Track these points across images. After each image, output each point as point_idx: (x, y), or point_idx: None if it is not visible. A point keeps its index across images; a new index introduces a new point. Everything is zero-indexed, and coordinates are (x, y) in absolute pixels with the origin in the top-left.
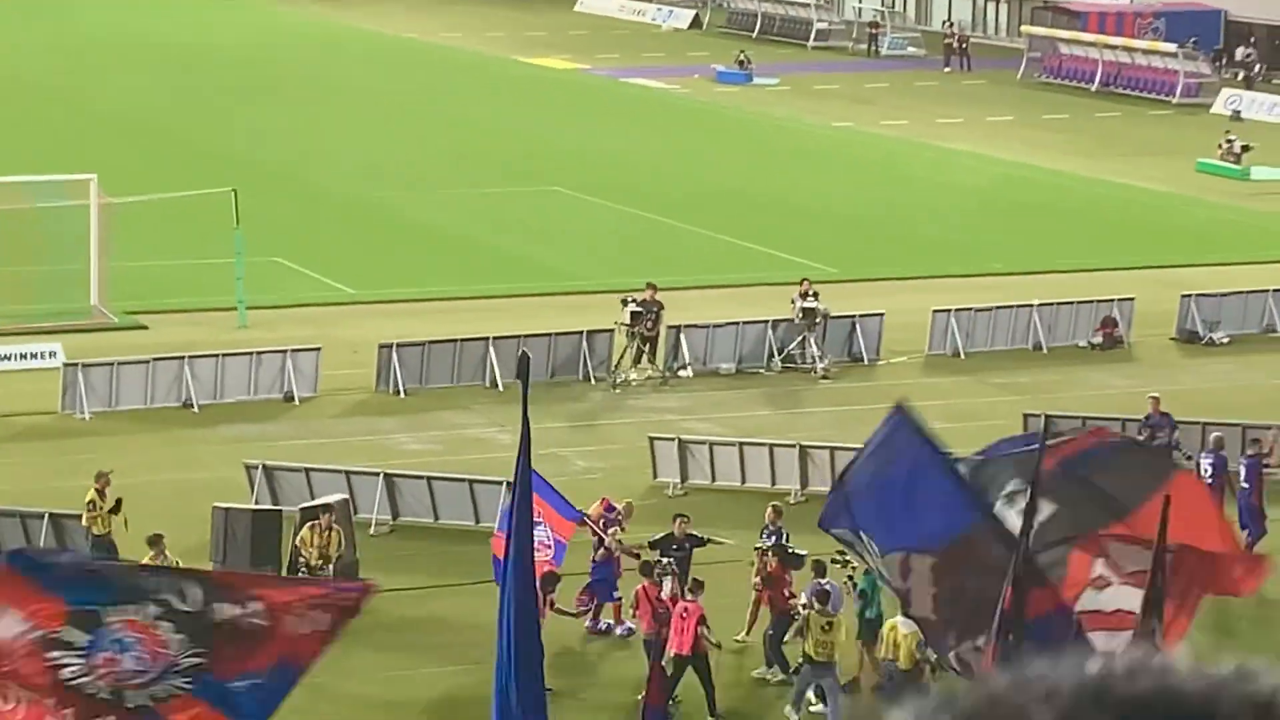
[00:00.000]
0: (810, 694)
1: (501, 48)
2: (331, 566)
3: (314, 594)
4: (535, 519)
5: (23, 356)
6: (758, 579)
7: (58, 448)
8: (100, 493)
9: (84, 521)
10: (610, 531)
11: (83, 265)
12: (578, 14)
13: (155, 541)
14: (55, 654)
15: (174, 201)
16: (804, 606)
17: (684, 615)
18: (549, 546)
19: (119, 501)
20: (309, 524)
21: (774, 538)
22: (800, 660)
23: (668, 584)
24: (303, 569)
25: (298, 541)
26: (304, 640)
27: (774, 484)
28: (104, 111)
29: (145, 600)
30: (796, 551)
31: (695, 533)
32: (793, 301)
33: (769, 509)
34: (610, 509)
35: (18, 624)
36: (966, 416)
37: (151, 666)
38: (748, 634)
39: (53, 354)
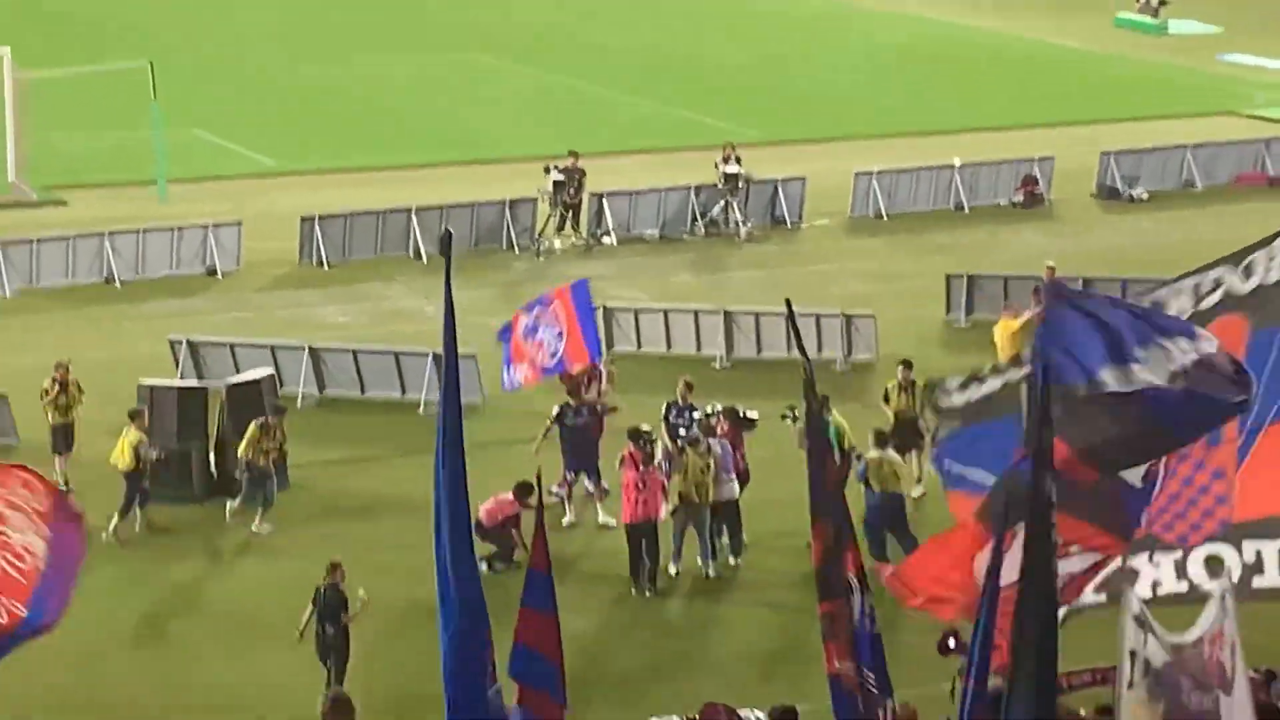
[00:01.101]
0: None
1: None
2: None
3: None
4: (554, 328)
5: None
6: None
7: None
8: (57, 383)
9: (43, 408)
10: (593, 390)
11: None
12: None
13: (136, 416)
14: None
15: (90, 75)
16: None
17: (640, 486)
18: (552, 355)
19: (78, 391)
20: (258, 424)
21: (687, 413)
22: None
23: (658, 451)
24: (255, 472)
25: (245, 445)
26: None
27: (699, 350)
28: None
29: None
30: (749, 415)
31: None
32: (715, 166)
33: (680, 383)
34: (595, 367)
35: None
36: (891, 278)
37: None
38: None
39: None
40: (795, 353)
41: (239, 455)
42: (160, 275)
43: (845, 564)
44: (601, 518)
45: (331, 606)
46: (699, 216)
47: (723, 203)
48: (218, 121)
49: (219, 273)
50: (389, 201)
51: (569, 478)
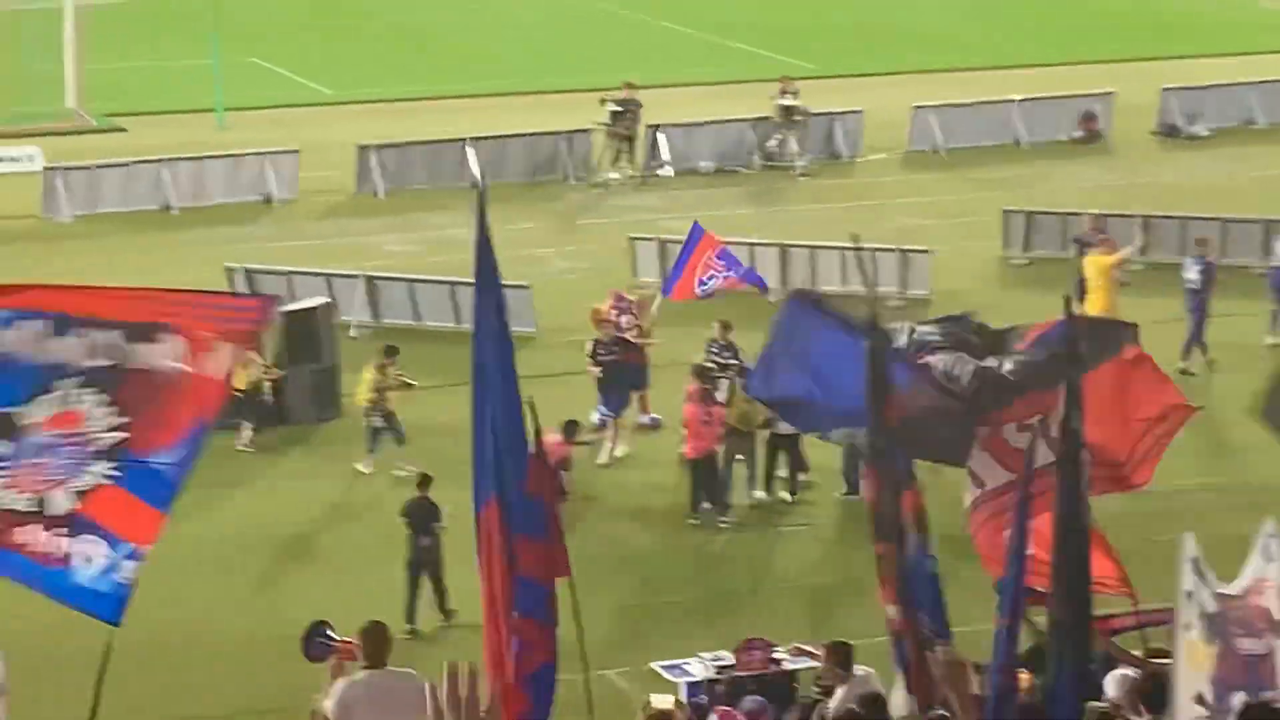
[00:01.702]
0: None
1: None
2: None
3: (220, 316)
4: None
5: (3, 160)
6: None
7: (40, 250)
8: None
9: None
10: (625, 321)
11: (59, 68)
12: None
13: None
14: None
15: (150, 3)
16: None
17: (705, 421)
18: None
19: None
20: (375, 366)
21: (729, 353)
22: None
23: (723, 388)
24: (382, 414)
25: (366, 390)
26: (211, 388)
27: None
28: None
29: (65, 377)
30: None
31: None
32: (772, 99)
33: (716, 323)
34: (621, 299)
35: None
36: (947, 213)
37: (76, 455)
38: None
39: (32, 158)
40: (850, 286)
41: (363, 402)
42: (217, 203)
43: (902, 504)
44: (619, 451)
45: (423, 519)
46: (755, 149)
47: (779, 136)
48: (277, 50)
49: (275, 201)
50: (445, 131)
51: (603, 413)
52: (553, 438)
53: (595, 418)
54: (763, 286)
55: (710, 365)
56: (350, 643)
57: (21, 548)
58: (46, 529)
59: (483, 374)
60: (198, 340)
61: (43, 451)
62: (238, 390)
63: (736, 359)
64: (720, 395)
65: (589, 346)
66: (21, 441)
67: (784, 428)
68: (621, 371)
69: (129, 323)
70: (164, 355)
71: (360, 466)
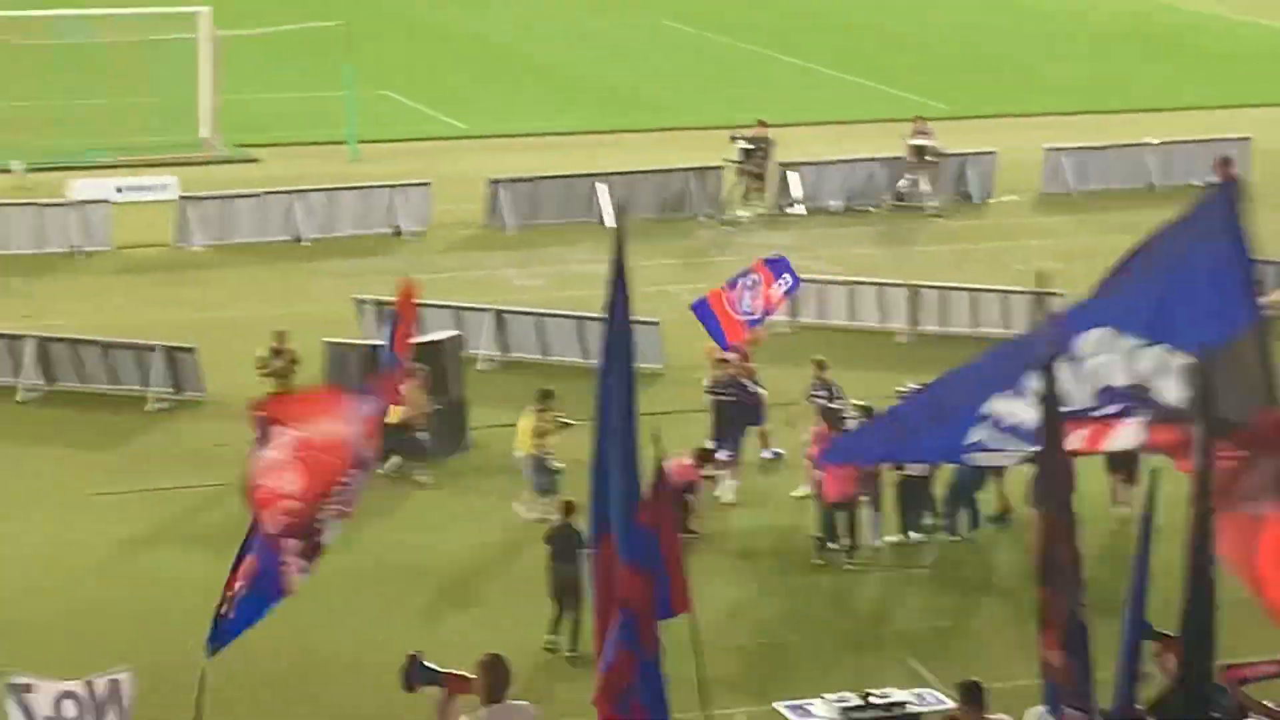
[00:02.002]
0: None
1: None
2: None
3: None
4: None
5: (137, 189)
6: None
7: (172, 280)
8: (274, 350)
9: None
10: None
11: (194, 98)
12: None
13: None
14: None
15: (285, 34)
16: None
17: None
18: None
19: (294, 360)
20: (533, 411)
21: (824, 392)
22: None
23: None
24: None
25: (526, 436)
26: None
27: (883, 323)
28: None
29: None
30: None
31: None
32: (904, 139)
33: (811, 362)
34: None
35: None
36: (1079, 256)
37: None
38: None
39: (166, 187)
40: (980, 328)
41: (528, 452)
42: (347, 234)
43: (1066, 550)
44: (730, 495)
45: (566, 546)
46: (887, 189)
47: (911, 176)
48: (409, 83)
49: (406, 233)
50: (575, 166)
51: (713, 447)
52: (682, 462)
53: (722, 454)
54: (793, 280)
55: (837, 407)
56: (459, 675)
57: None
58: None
59: (605, 407)
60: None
61: None
62: (390, 424)
63: (838, 397)
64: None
65: (706, 383)
66: None
67: (915, 469)
68: (736, 410)
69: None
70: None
71: (519, 508)
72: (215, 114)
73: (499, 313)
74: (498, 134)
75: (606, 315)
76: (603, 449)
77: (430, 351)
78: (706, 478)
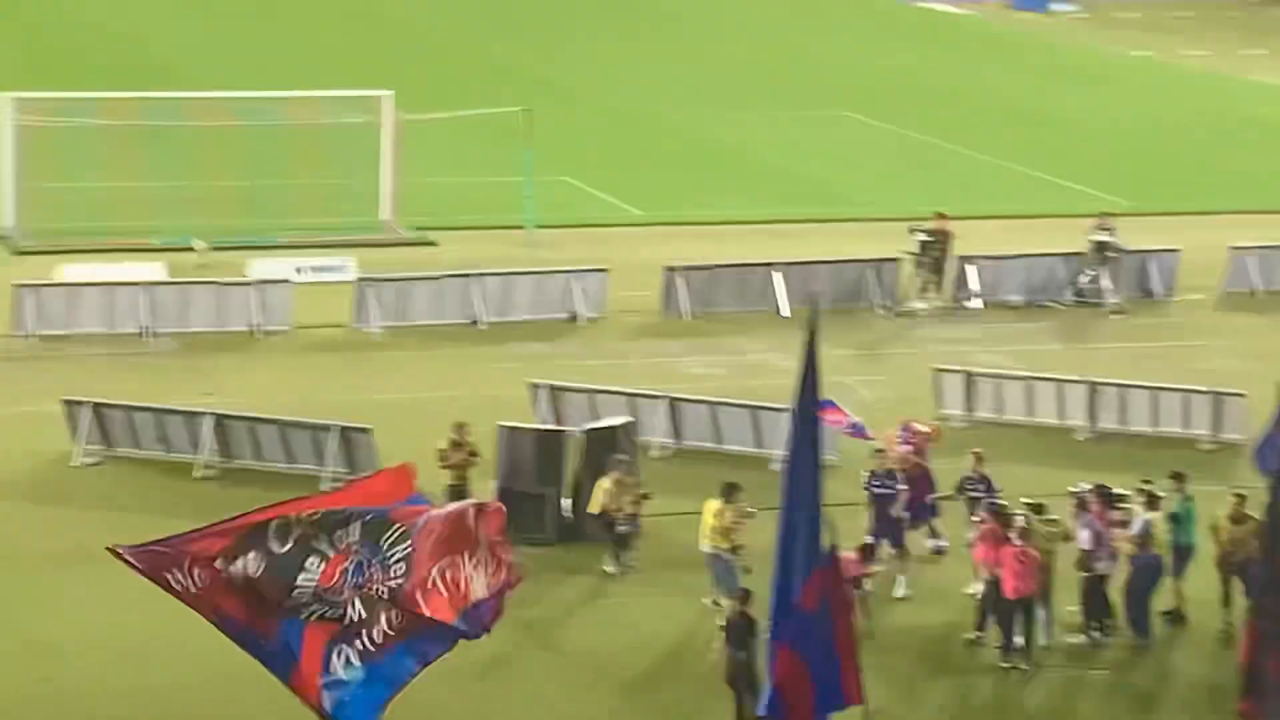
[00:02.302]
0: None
1: None
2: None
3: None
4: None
5: (316, 270)
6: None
7: (348, 361)
8: (454, 443)
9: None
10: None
11: (375, 180)
12: None
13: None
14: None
15: (465, 119)
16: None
17: (1022, 560)
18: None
19: (472, 453)
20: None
21: (980, 485)
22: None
23: (1018, 526)
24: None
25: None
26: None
27: (1062, 420)
28: (403, 26)
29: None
30: (1119, 493)
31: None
32: (1086, 234)
33: (971, 454)
34: (908, 429)
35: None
36: (1264, 357)
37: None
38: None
39: (345, 268)
40: (1161, 428)
41: (714, 549)
42: (524, 319)
43: (1276, 665)
44: (902, 590)
45: (740, 634)
46: (1067, 285)
47: (1092, 272)
48: (588, 169)
49: (582, 319)
50: (753, 255)
51: (873, 543)
52: (848, 556)
53: (884, 548)
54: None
55: (1004, 503)
56: None
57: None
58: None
59: (790, 497)
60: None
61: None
62: (592, 514)
63: (991, 491)
64: (1013, 533)
65: (864, 477)
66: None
67: (1100, 567)
68: (892, 502)
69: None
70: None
71: (707, 601)
72: (395, 197)
73: (673, 400)
74: (675, 221)
75: (796, 405)
76: (785, 538)
77: (605, 438)
78: (869, 574)
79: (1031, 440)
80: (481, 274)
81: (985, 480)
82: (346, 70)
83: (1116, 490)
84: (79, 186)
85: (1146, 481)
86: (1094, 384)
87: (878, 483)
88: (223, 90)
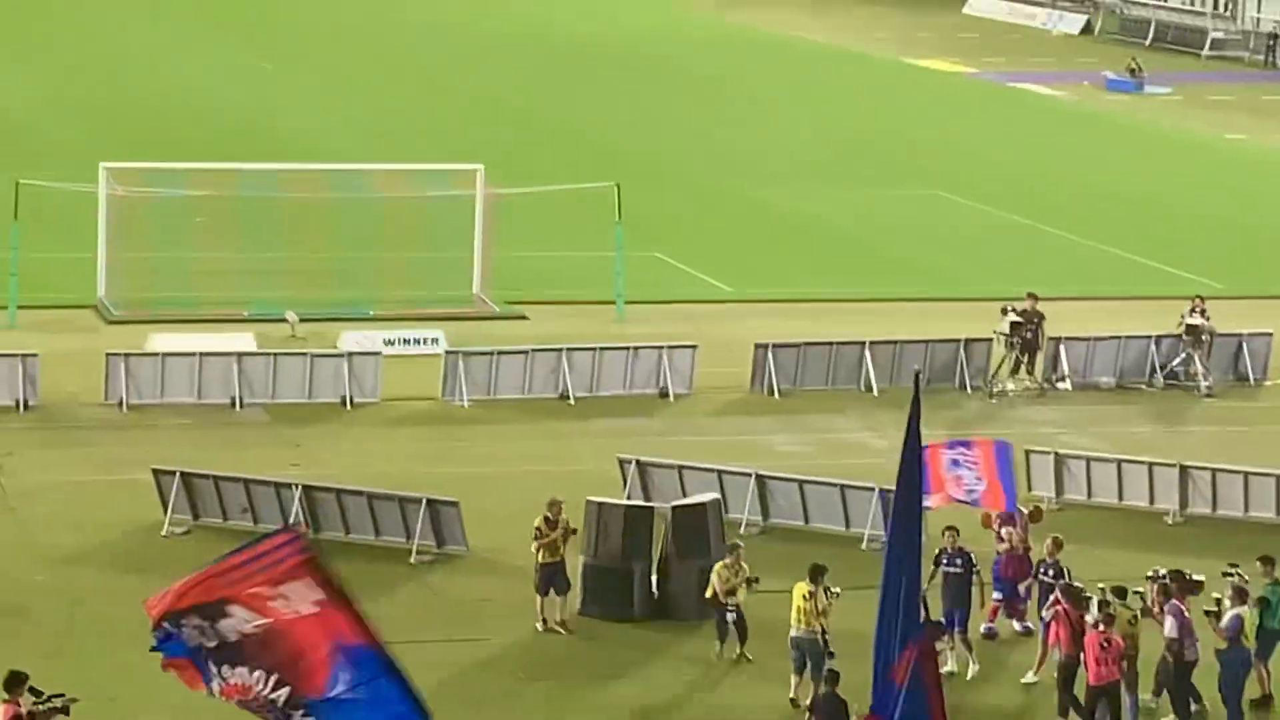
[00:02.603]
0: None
1: (888, 49)
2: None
3: (261, 566)
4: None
5: (406, 342)
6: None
7: (437, 434)
8: (549, 521)
9: (532, 548)
10: (1005, 531)
11: (467, 253)
12: (966, 16)
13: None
14: None
15: (556, 193)
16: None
17: (1105, 646)
18: (968, 491)
19: (570, 530)
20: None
21: (1050, 572)
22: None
23: (1093, 608)
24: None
25: (805, 610)
26: (321, 621)
27: (1152, 503)
28: (495, 101)
29: (200, 661)
30: (1195, 578)
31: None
32: (1180, 317)
33: (1049, 541)
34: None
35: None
36: None
37: (272, 712)
38: (1036, 673)
39: (435, 341)
40: (1253, 512)
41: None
42: (613, 394)
43: None
44: (971, 670)
45: (831, 714)
46: (1158, 368)
47: (1184, 354)
48: (678, 245)
49: (671, 395)
50: (843, 333)
51: (941, 621)
52: None
53: (983, 627)
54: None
55: (1080, 586)
56: None
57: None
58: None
59: (890, 574)
60: (254, 599)
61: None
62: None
63: (1060, 578)
64: (1090, 617)
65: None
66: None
67: (1189, 654)
68: (959, 585)
69: (202, 605)
70: (243, 621)
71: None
72: (486, 270)
73: (761, 477)
74: (765, 298)
75: (898, 484)
76: (885, 612)
77: (692, 514)
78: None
79: (1121, 523)
80: (571, 348)
81: (1057, 566)
82: (438, 144)
83: (1195, 576)
84: (170, 256)
85: (1233, 565)
86: (1185, 467)
87: (948, 561)
88: (315, 162)
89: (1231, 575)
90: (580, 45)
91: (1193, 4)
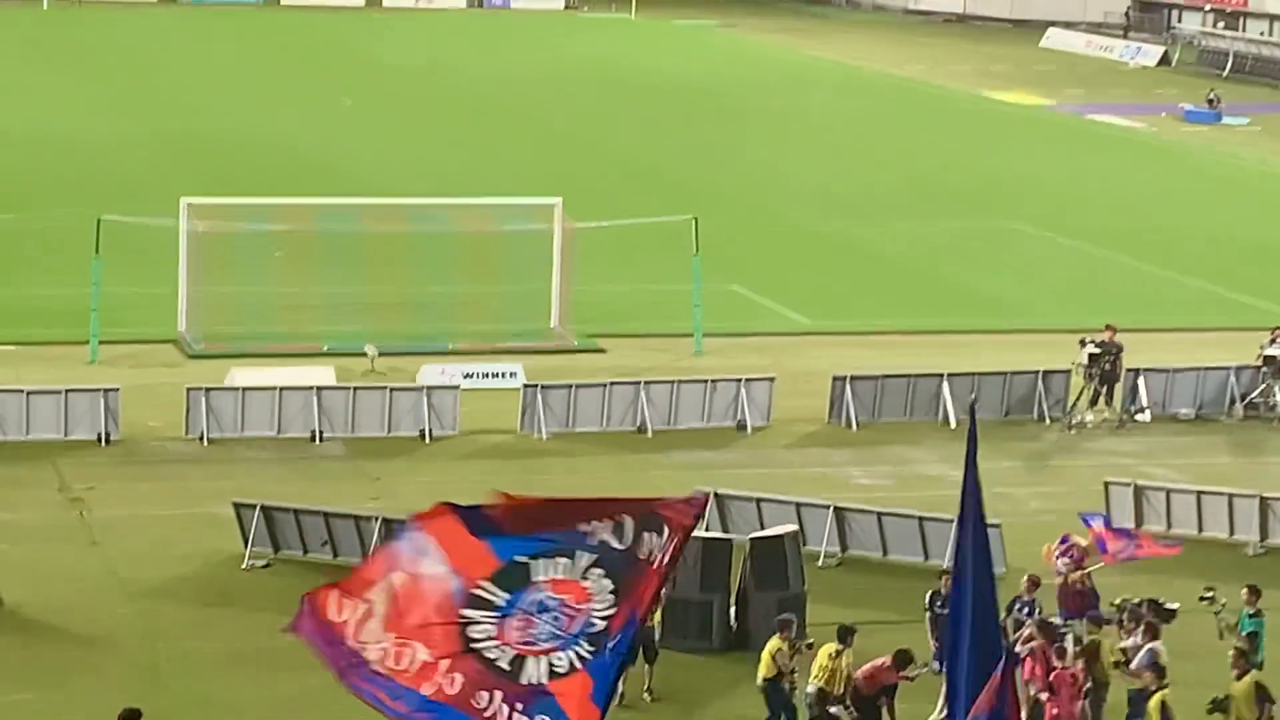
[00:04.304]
0: None
1: (965, 81)
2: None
3: (681, 509)
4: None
5: (486, 375)
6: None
7: (516, 467)
8: None
9: None
10: (1061, 564)
11: (545, 287)
12: (1043, 49)
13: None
14: (470, 612)
15: (634, 227)
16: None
17: (1073, 682)
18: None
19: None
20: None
21: (1025, 609)
22: None
23: (1069, 645)
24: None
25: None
26: (655, 582)
27: (1232, 534)
28: (570, 137)
29: (582, 549)
30: (1168, 606)
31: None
32: (1260, 347)
33: (1025, 579)
34: (1067, 542)
35: (442, 570)
36: None
37: (567, 630)
38: None
39: (514, 374)
40: None
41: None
42: (691, 427)
43: None
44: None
45: None
46: (1238, 398)
47: (1263, 385)
48: (755, 277)
49: (749, 427)
50: (921, 365)
51: (935, 666)
52: (882, 662)
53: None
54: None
55: (1056, 622)
56: None
57: (478, 713)
58: (507, 699)
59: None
60: (678, 526)
61: (539, 610)
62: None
63: (1034, 614)
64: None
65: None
66: (522, 595)
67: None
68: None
69: (642, 514)
70: (657, 546)
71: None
72: (565, 304)
73: (838, 509)
74: (842, 330)
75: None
76: (956, 648)
77: (770, 546)
78: (905, 678)
79: (1202, 555)
80: (649, 381)
81: (1032, 604)
82: (516, 179)
83: (1170, 605)
84: (250, 291)
85: (1210, 588)
86: (1265, 498)
87: (941, 604)
88: (394, 197)
89: (1206, 599)
90: (655, 81)
91: (1270, 35)
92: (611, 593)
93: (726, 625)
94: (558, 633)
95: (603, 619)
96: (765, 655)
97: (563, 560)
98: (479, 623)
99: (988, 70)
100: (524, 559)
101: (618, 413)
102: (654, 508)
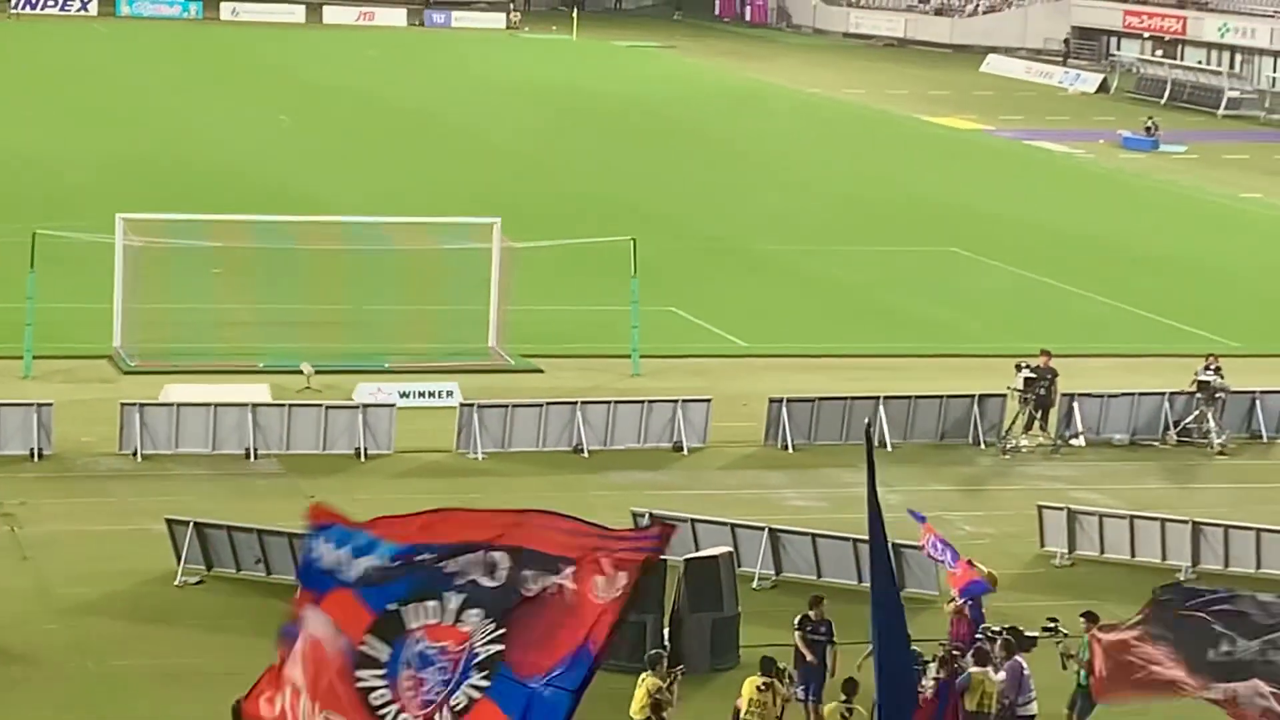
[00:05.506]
0: None
1: (905, 105)
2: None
3: (618, 546)
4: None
5: (422, 394)
6: None
7: (451, 485)
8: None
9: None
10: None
11: (483, 307)
12: (983, 74)
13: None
14: (362, 673)
15: (573, 247)
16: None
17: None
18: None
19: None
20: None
21: (822, 627)
22: None
23: (931, 671)
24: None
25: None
26: (602, 615)
27: (1164, 559)
28: (510, 156)
29: (448, 590)
30: (1029, 634)
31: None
32: (1194, 374)
33: (810, 597)
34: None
35: (330, 630)
36: None
37: (453, 672)
38: None
39: (450, 393)
40: (1266, 569)
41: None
42: (627, 447)
43: None
44: None
45: None
46: (1171, 424)
47: (1197, 411)
48: (693, 299)
49: (685, 448)
50: (856, 388)
51: (798, 693)
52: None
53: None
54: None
55: (955, 653)
56: None
57: None
58: None
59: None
60: (590, 563)
61: (422, 665)
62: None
63: (831, 637)
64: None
65: (795, 620)
66: (402, 646)
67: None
68: (822, 650)
69: (535, 552)
70: (555, 581)
71: None
72: (502, 323)
73: (773, 531)
74: (779, 353)
75: (869, 539)
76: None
77: (705, 567)
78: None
79: (1134, 579)
80: (586, 402)
81: (827, 624)
82: (454, 198)
83: (1030, 632)
84: (186, 307)
85: (1053, 619)
86: (1197, 524)
87: (811, 629)
88: (332, 215)
89: (1049, 630)
90: (596, 103)
91: (1208, 63)
92: (493, 624)
93: (660, 646)
94: (446, 679)
95: (485, 645)
96: (641, 693)
97: (431, 603)
98: (376, 687)
99: (927, 95)
100: (394, 606)
101: (554, 433)
102: (554, 545)
